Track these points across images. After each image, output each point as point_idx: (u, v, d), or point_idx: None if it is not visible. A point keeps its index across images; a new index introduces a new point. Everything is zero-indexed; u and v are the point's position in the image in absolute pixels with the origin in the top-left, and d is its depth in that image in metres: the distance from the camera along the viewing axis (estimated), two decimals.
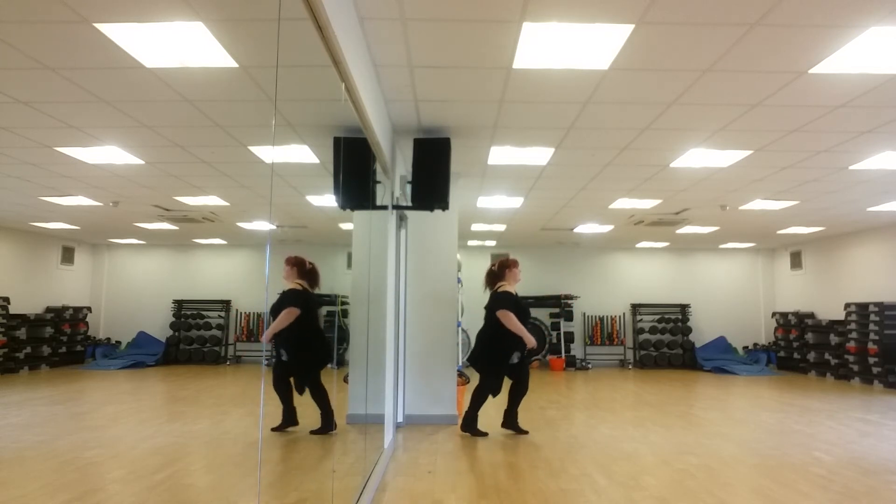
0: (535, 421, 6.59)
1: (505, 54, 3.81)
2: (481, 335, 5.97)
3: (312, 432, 5.53)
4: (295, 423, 5.52)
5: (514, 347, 5.73)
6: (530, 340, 5.70)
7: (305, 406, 5.39)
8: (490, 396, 5.85)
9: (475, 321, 13.69)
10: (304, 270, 5.73)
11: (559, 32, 3.49)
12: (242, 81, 4.10)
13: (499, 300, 5.80)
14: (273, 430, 5.59)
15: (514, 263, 6.07)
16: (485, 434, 5.79)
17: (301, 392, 5.50)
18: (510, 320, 5.65)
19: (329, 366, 5.65)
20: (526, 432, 5.89)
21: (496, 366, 5.79)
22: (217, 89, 4.27)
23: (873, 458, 4.99)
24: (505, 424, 5.94)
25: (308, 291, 5.56)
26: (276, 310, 5.63)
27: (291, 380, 5.52)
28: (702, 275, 14.00)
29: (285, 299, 5.48)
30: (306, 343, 5.48)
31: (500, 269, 6.04)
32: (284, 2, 2.76)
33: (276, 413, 5.54)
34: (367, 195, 4.67)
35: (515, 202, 8.56)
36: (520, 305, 5.88)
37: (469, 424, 5.81)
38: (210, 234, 11.89)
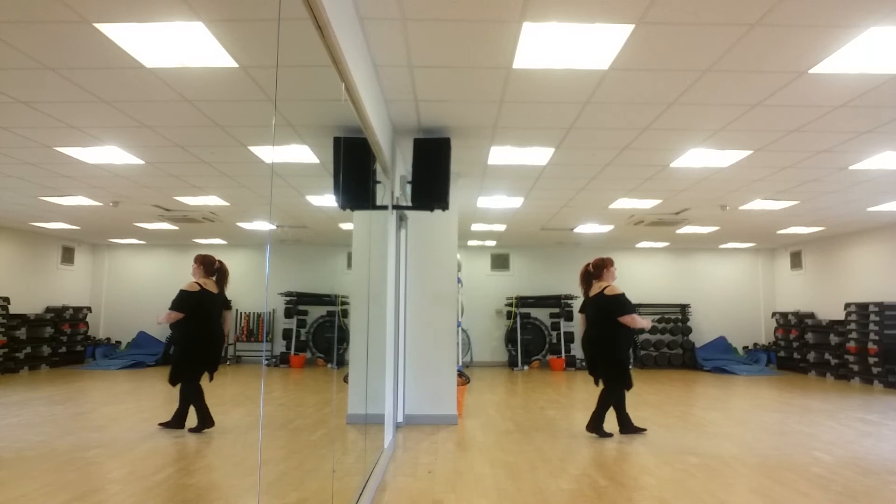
0: (536, 421, 6.60)
1: (505, 54, 3.81)
2: (595, 339, 5.78)
3: (191, 430, 5.57)
4: (182, 425, 5.54)
5: (628, 344, 5.73)
6: (645, 323, 5.73)
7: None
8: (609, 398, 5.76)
9: (475, 321, 13.85)
10: (212, 269, 5.71)
11: (559, 32, 3.49)
12: (242, 81, 4.10)
13: (619, 304, 5.70)
14: (159, 424, 5.66)
15: (611, 262, 5.96)
16: (610, 435, 5.71)
17: (173, 385, 5.53)
18: (635, 322, 5.65)
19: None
20: (610, 435, 5.72)
21: (625, 364, 5.72)
22: (217, 89, 4.27)
23: (873, 458, 4.99)
24: (590, 428, 5.77)
25: (205, 291, 5.55)
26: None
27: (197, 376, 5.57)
28: (702, 275, 14.00)
29: (173, 301, 5.53)
30: (187, 343, 5.51)
31: (596, 270, 5.95)
32: (284, 2, 2.76)
33: (276, 413, 5.54)
34: (367, 195, 4.68)
35: (515, 202, 8.56)
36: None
37: (621, 424, 5.78)
38: (210, 234, 11.89)
